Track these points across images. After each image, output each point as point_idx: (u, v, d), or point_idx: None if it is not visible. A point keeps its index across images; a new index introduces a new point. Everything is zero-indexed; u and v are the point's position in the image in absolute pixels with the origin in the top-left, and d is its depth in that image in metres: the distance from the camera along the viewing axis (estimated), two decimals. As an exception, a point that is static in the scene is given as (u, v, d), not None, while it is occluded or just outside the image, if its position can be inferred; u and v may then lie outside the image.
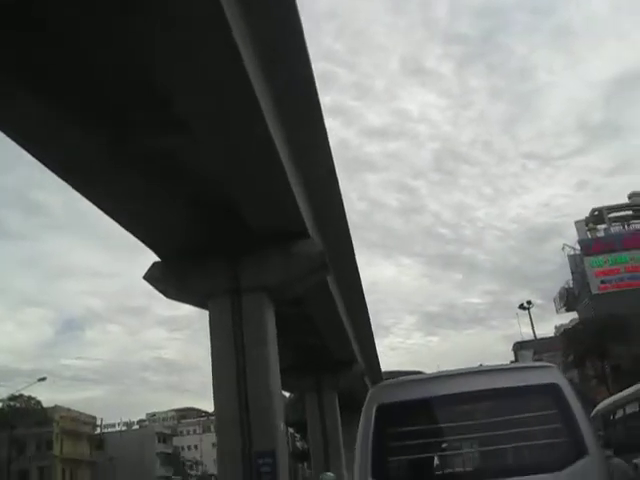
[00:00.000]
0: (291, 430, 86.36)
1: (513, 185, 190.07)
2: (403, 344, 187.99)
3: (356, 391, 48.85)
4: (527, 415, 5.69)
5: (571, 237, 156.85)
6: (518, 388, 5.72)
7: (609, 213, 51.51)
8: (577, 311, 46.27)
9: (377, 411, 5.75)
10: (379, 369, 55.68)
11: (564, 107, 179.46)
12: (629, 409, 15.01)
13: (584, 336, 39.19)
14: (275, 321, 22.21)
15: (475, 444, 5.90)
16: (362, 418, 5.81)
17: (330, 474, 15.12)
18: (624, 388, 19.07)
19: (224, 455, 20.82)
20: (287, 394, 63.74)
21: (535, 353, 70.64)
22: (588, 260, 46.19)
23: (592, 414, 16.83)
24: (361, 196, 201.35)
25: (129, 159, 16.45)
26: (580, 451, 5.27)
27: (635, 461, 9.65)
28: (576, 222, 51.13)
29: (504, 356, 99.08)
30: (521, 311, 41.38)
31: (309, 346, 36.34)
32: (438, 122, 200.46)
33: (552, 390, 5.62)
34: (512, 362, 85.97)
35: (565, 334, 42.11)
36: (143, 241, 21.23)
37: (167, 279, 21.98)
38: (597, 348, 38.19)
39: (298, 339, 34.49)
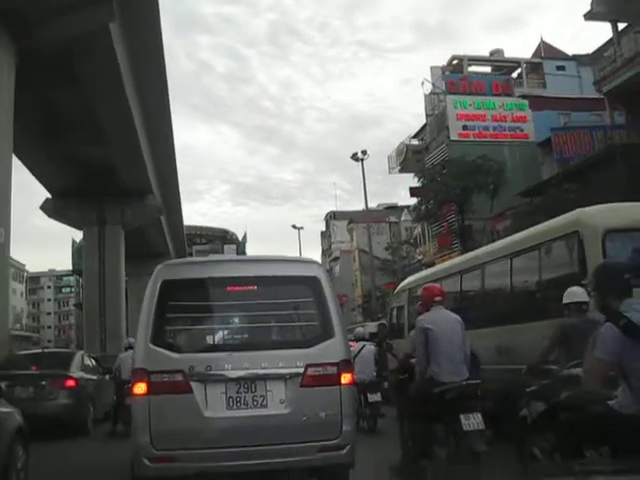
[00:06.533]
0: (80, 279, 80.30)
1: (342, 70, 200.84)
2: (212, 211, 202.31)
3: (150, 233, 42.27)
4: (289, 301, 7.02)
5: (390, 130, 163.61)
6: (285, 277, 6.86)
7: (469, 65, 46.38)
8: (426, 162, 40.85)
9: (161, 286, 6.40)
10: (181, 218, 48.47)
11: (404, 1, 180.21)
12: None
13: (445, 180, 33.26)
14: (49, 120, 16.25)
15: (242, 321, 7.03)
16: (147, 291, 6.44)
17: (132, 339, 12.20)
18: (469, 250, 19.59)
19: None
20: (77, 238, 55.59)
21: (350, 222, 68.61)
22: (452, 99, 40.67)
23: (397, 289, 18.61)
24: (190, 56, 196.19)
25: None
26: (328, 333, 6.49)
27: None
28: (432, 67, 45.69)
29: (316, 232, 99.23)
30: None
31: (92, 164, 30.14)
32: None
33: (312, 282, 6.71)
34: (323, 232, 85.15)
35: (425, 178, 35.62)
36: None
37: None
38: (458, 197, 32.86)
39: (77, 151, 28.63)
